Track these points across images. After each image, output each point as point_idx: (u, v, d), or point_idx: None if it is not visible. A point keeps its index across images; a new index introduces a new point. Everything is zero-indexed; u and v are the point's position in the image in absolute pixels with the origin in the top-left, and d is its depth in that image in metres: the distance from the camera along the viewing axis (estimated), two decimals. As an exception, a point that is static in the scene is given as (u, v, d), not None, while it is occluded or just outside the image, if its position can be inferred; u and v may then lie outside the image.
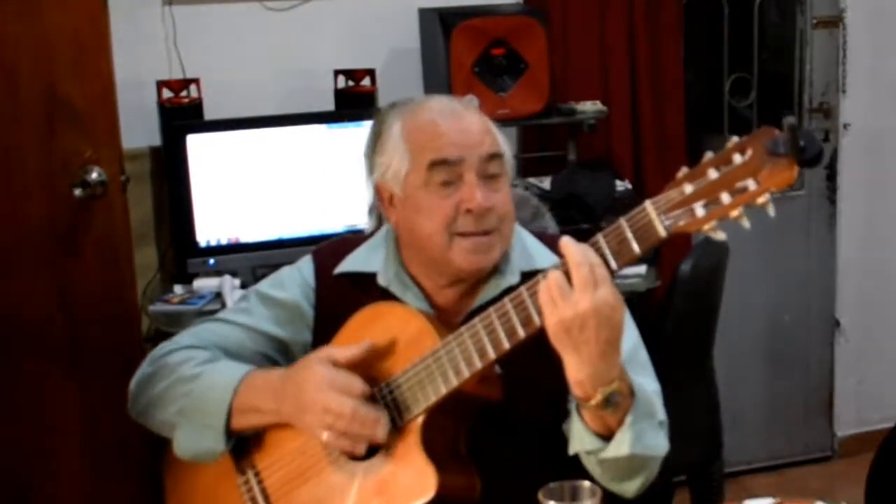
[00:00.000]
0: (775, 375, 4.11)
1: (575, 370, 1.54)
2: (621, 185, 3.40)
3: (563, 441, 1.70)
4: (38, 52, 2.78)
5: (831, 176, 4.11)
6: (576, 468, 1.69)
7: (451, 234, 1.74)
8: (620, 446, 1.59)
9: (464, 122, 1.78)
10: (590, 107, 3.46)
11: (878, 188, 4.13)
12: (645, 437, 1.61)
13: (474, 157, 1.75)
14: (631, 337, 1.80)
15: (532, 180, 3.47)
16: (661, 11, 3.67)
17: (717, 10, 3.97)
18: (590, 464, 1.66)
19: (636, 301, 3.00)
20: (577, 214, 3.20)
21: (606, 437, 1.61)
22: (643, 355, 1.83)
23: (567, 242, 1.55)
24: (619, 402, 1.56)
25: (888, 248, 4.16)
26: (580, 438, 1.63)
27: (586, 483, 1.46)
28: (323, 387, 1.67)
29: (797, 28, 4.07)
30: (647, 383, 1.75)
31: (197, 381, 1.81)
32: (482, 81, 3.27)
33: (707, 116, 4.06)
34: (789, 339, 4.12)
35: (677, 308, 2.78)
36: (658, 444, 1.67)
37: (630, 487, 1.69)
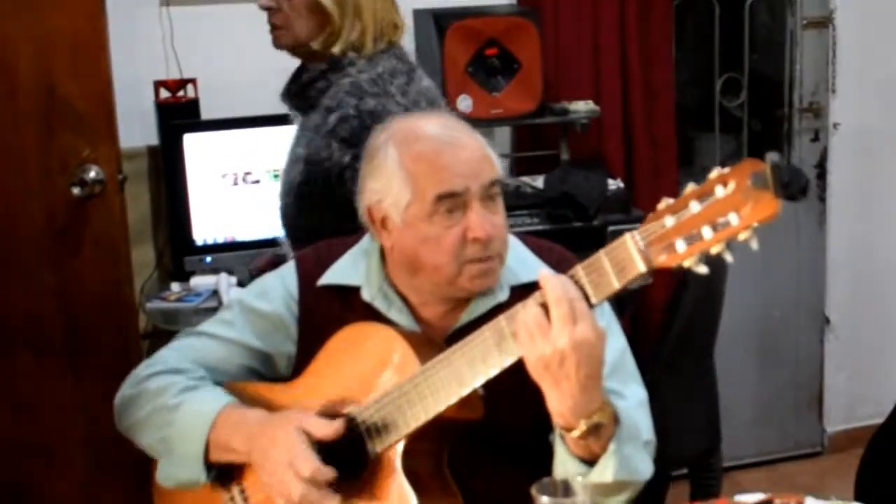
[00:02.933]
0: (766, 372, 4.14)
1: (556, 403, 1.53)
2: (613, 184, 3.42)
3: (547, 455, 1.68)
4: (36, 53, 2.80)
5: (821, 175, 4.14)
6: None
7: (460, 265, 1.72)
8: (604, 472, 1.58)
9: (465, 152, 1.74)
10: (582, 106, 3.48)
11: (868, 187, 4.16)
12: (629, 462, 1.60)
13: (477, 186, 1.72)
14: (617, 344, 1.79)
15: (525, 179, 3.49)
16: (653, 12, 3.69)
17: (708, 10, 3.99)
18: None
19: (628, 300, 3.03)
20: (570, 213, 3.22)
21: (590, 461, 1.59)
22: (630, 363, 1.81)
23: (546, 276, 1.53)
24: (602, 430, 1.55)
25: (877, 246, 4.19)
26: (563, 463, 1.61)
27: (578, 478, 1.46)
28: (285, 461, 1.66)
29: (787, 28, 4.09)
30: (634, 393, 1.75)
31: (177, 411, 1.80)
32: (476, 81, 3.29)
33: (698, 116, 4.09)
34: (779, 335, 4.15)
35: (687, 303, 2.77)
36: (642, 468, 1.65)
37: (615, 501, 1.66)
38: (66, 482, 2.94)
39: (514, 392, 1.62)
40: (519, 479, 1.61)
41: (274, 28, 2.38)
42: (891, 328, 4.24)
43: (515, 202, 3.19)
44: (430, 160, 1.73)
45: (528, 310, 1.52)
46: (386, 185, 1.75)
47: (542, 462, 1.66)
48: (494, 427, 1.70)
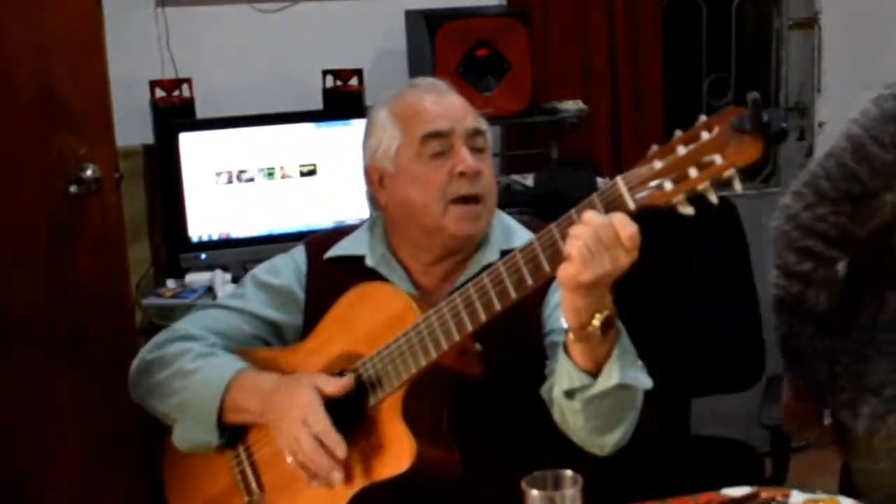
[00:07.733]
0: (753, 368, 4.17)
1: (579, 301, 1.58)
2: (602, 182, 3.45)
3: (544, 420, 1.75)
4: (34, 53, 2.80)
5: (807, 173, 4.18)
6: (556, 447, 1.73)
7: (446, 202, 1.82)
8: (609, 377, 1.63)
9: (448, 98, 1.91)
10: (571, 106, 3.51)
11: (853, 185, 4.20)
12: (631, 369, 1.66)
13: (461, 129, 1.85)
14: None
15: (515, 177, 3.53)
16: (641, 13, 3.73)
17: (696, 11, 4.04)
18: (572, 416, 1.69)
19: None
20: (560, 211, 3.25)
21: (594, 373, 1.64)
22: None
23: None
24: (610, 330, 1.60)
25: (862, 243, 4.23)
26: (568, 376, 1.65)
27: (568, 472, 1.48)
28: (299, 416, 1.72)
29: (773, 29, 4.14)
30: None
31: (193, 376, 1.87)
32: (466, 81, 3.32)
33: (686, 116, 4.09)
34: (766, 331, 4.18)
35: None
36: (642, 377, 1.71)
37: (609, 440, 1.72)
38: (64, 476, 2.94)
39: (511, 356, 1.75)
40: (514, 443, 1.77)
41: None
42: (876, 324, 4.27)
43: (506, 200, 3.22)
44: (416, 105, 1.89)
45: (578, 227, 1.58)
46: (378, 138, 1.91)
47: (537, 427, 1.74)
48: (493, 391, 1.77)
